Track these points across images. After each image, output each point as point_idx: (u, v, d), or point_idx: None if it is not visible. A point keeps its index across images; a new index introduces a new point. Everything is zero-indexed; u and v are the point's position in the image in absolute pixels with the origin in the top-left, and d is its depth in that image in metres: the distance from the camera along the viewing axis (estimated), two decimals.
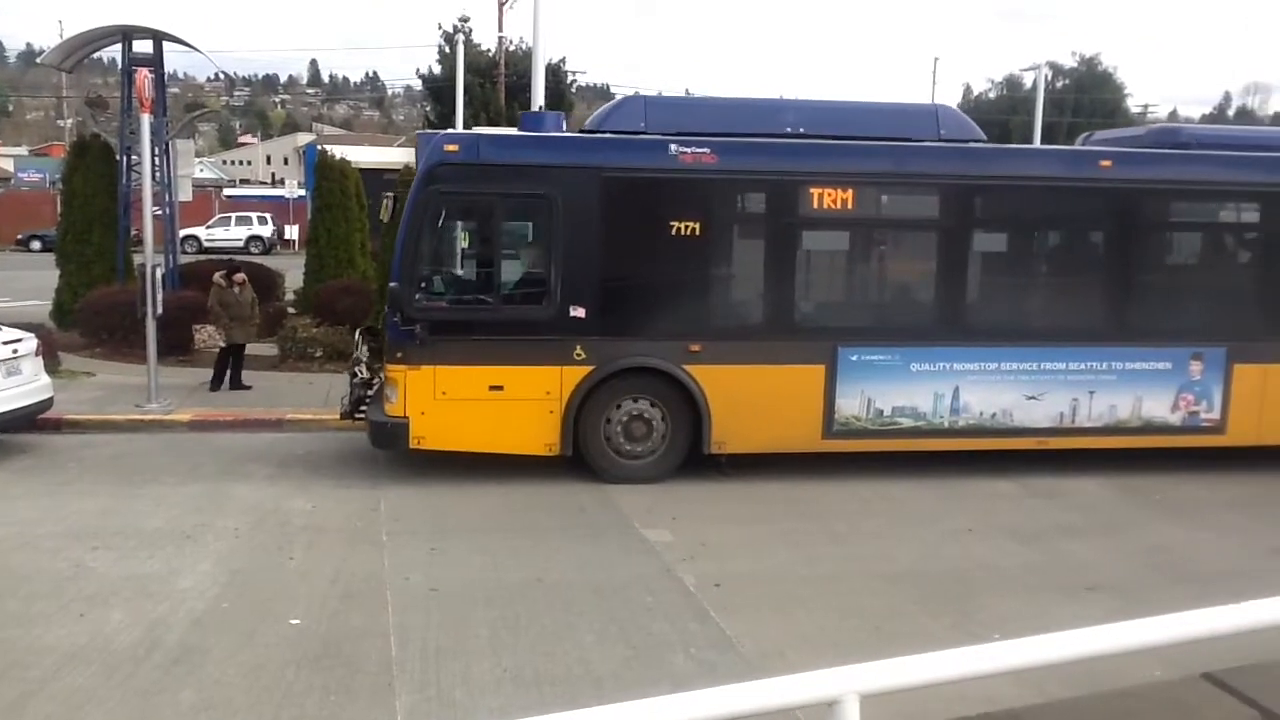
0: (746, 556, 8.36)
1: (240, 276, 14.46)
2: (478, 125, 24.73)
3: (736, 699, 2.66)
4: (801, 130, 10.67)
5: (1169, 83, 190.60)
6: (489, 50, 40.36)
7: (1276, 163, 11.26)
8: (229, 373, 14.34)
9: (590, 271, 10.14)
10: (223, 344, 14.57)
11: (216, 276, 14.50)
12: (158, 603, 7.07)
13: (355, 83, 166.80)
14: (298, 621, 6.82)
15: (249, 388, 14.29)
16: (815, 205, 10.46)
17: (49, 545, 8.24)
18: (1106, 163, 10.97)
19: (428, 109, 42.99)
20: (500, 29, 40.38)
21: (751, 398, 10.37)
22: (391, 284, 10.00)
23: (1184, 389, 11.06)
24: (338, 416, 11.44)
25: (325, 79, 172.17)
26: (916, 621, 7.06)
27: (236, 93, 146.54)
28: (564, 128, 11.24)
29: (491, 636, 6.62)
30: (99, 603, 7.05)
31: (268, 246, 44.60)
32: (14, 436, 11.50)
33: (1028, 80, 53.17)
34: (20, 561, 7.88)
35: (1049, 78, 47.06)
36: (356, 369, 11.23)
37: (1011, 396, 10.81)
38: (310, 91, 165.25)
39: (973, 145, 11.05)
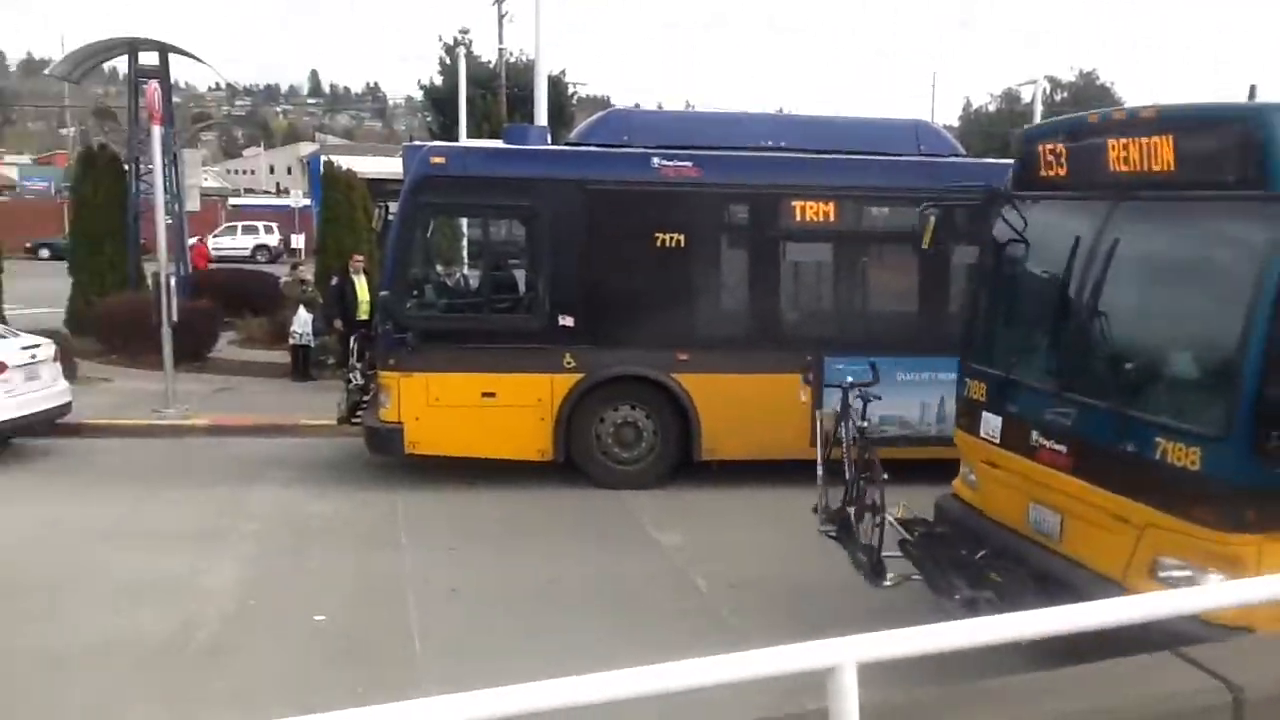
0: (756, 559, 8.51)
1: None
2: (480, 137, 24.84)
3: (736, 667, 2.75)
4: (783, 144, 10.87)
5: (1167, 95, 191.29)
6: (489, 62, 40.55)
7: None
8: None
9: (577, 281, 10.35)
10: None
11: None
12: (187, 601, 7.28)
13: (356, 93, 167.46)
14: (322, 619, 7.03)
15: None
16: (797, 218, 10.66)
17: (74, 545, 8.46)
18: None
19: (429, 120, 43.14)
20: (500, 41, 40.50)
21: (739, 405, 10.47)
22: (382, 293, 10.27)
23: None
24: (335, 422, 11.66)
25: (326, 89, 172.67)
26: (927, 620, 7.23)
27: (238, 102, 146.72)
28: (548, 141, 11.43)
29: (511, 635, 6.81)
30: (128, 601, 7.25)
31: (274, 255, 44.75)
32: (34, 440, 11.73)
33: (1026, 94, 53.48)
34: (46, 561, 8.09)
35: (1048, 91, 47.40)
36: (352, 375, 11.47)
37: None
38: (311, 101, 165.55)
39: (949, 159, 11.16)
